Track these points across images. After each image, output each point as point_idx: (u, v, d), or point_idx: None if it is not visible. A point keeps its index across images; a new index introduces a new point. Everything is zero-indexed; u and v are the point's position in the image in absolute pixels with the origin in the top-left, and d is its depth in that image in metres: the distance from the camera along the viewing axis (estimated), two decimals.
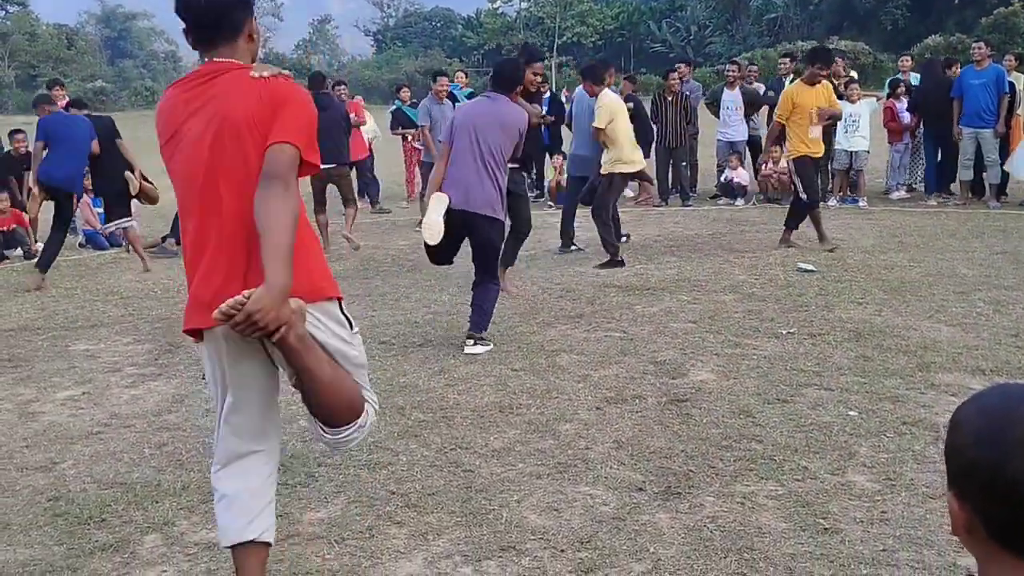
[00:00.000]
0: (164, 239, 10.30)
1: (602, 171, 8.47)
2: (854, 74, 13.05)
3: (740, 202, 12.24)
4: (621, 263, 8.26)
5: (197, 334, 2.73)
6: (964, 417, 1.13)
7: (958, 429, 1.13)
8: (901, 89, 12.09)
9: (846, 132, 11.61)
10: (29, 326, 7.00)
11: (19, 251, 10.15)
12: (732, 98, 12.51)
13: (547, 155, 13.07)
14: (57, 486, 4.01)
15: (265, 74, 2.62)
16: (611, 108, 8.33)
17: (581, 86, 9.24)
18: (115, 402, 5.16)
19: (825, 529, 3.35)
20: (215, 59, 2.70)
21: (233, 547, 2.80)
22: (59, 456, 4.37)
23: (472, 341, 5.76)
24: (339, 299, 2.79)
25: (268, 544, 2.84)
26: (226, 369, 2.72)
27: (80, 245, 10.22)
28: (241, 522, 2.76)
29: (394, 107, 14.69)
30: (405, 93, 14.41)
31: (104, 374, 5.68)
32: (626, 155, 8.37)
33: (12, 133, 11.73)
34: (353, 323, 2.81)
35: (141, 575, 3.24)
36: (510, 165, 6.17)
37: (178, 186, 2.74)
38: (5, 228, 10.14)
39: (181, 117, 2.68)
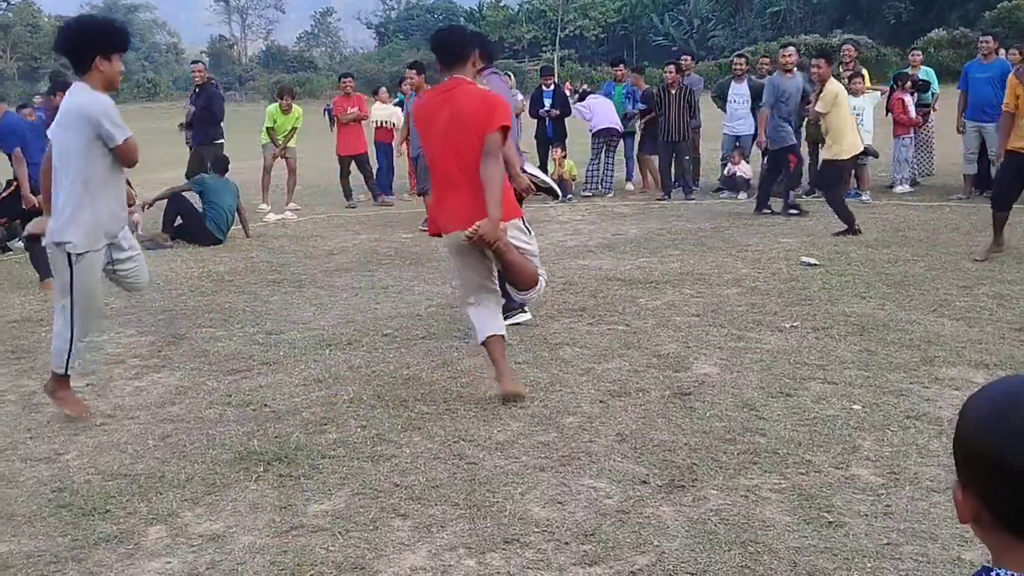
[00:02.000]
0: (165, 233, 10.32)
1: (826, 158, 9.50)
2: (864, 71, 13.00)
3: (743, 196, 12.21)
4: (858, 231, 9.05)
5: (438, 234, 4.80)
6: (970, 407, 1.15)
7: (964, 419, 1.15)
8: (909, 83, 12.06)
9: None
10: (32, 317, 7.00)
11: (20, 243, 10.15)
12: (739, 92, 12.47)
13: (549, 147, 13.06)
14: (61, 477, 4.01)
15: (482, 88, 4.58)
16: (836, 95, 9.23)
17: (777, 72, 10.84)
18: (118, 393, 5.17)
19: (829, 523, 3.35)
20: (454, 76, 4.54)
21: (485, 340, 4.71)
22: (63, 447, 4.38)
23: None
24: (521, 217, 4.77)
25: (503, 336, 4.79)
26: (458, 258, 4.73)
27: None
28: (487, 324, 4.72)
29: (397, 100, 14.66)
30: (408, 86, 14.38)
31: (107, 366, 5.69)
32: (847, 142, 9.19)
33: (20, 108, 11.73)
34: (531, 230, 4.88)
35: (145, 566, 3.24)
36: None
37: (431, 153, 4.65)
38: (6, 220, 10.12)
39: (434, 112, 4.54)
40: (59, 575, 3.19)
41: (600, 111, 12.96)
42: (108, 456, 4.24)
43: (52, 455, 4.28)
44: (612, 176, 13.31)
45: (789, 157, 10.70)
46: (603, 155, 13.15)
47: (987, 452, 1.09)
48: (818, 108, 9.33)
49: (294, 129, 12.65)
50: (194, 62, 13.57)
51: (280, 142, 12.57)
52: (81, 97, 4.43)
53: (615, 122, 12.93)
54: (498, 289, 4.87)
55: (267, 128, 12.60)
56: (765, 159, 11.07)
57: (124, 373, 5.55)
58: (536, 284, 4.83)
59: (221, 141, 12.10)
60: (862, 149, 9.76)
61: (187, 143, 12.63)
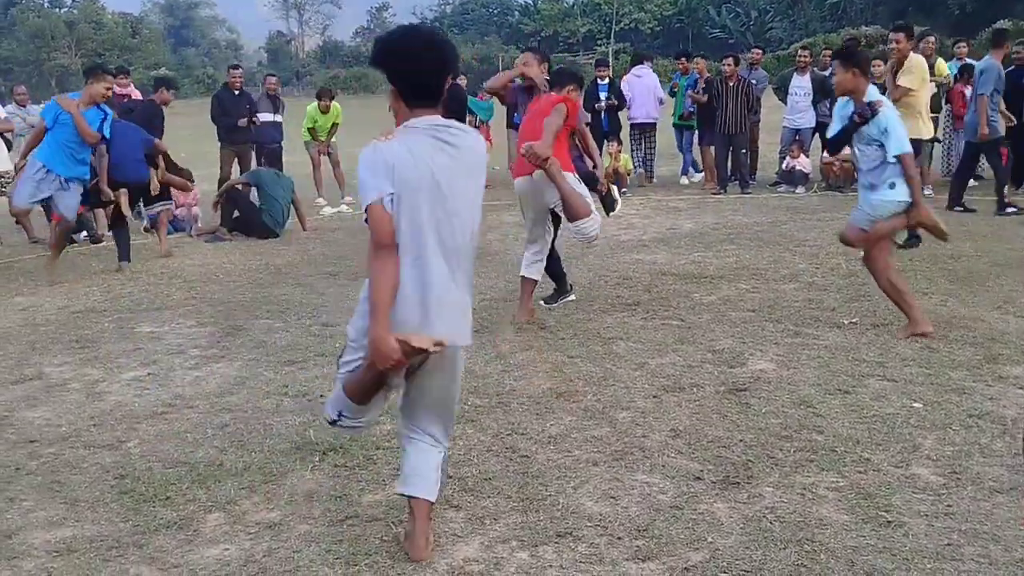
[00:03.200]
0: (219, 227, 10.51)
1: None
2: (939, 59, 12.70)
3: (801, 190, 12.04)
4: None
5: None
6: None
7: None
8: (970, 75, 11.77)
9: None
10: (96, 308, 7.16)
11: (84, 235, 10.39)
12: (801, 84, 12.28)
13: (604, 141, 13.01)
14: (123, 464, 4.10)
15: (563, 94, 6.17)
16: (924, 69, 8.52)
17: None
18: (179, 383, 5.27)
19: (888, 522, 3.29)
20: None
21: (521, 277, 6.24)
22: (125, 435, 4.47)
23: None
24: (573, 172, 6.06)
25: (534, 280, 6.29)
26: (526, 199, 6.19)
27: (145, 229, 10.42)
28: (526, 267, 6.24)
29: None
30: (463, 81, 14.43)
31: (168, 356, 5.80)
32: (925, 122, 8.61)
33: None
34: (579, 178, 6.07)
35: (204, 553, 3.30)
36: None
37: (526, 125, 6.17)
38: None
39: (535, 105, 6.21)
40: (120, 560, 3.27)
41: (639, 97, 13.19)
42: (168, 444, 4.32)
43: (115, 443, 4.38)
44: (652, 164, 13.72)
45: (1001, 151, 9.99)
46: (643, 144, 13.62)
47: None
48: (904, 83, 8.26)
49: (335, 125, 12.91)
50: (234, 67, 13.28)
51: (323, 139, 12.82)
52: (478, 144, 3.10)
53: (649, 115, 13.36)
54: (548, 239, 6.26)
55: (308, 128, 12.84)
56: (966, 151, 10.23)
57: (184, 363, 5.65)
58: (589, 214, 5.94)
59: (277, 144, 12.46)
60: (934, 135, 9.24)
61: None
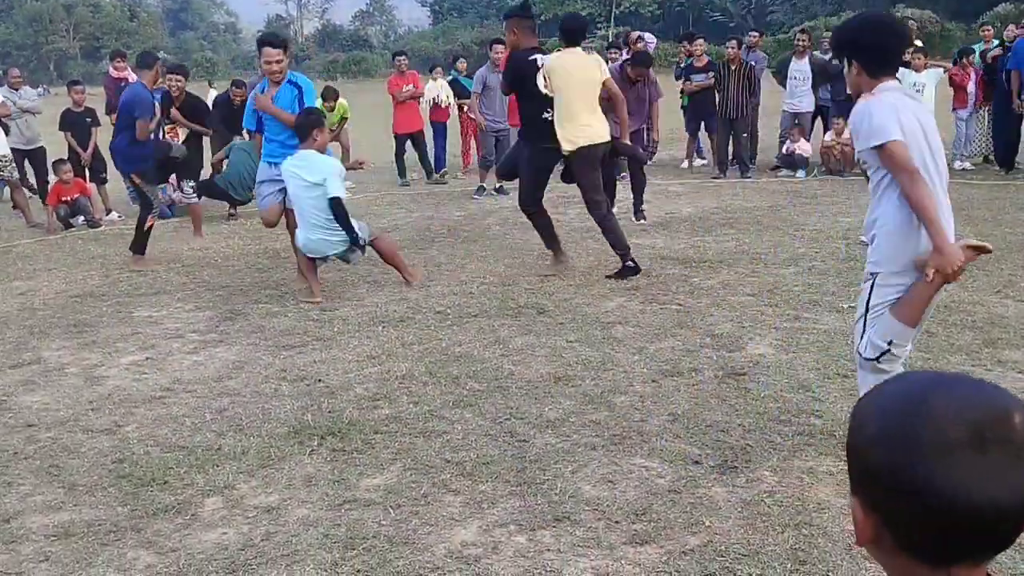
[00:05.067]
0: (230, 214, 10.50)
1: None
2: (919, 43, 12.68)
3: (801, 174, 12.00)
4: None
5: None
6: (865, 416, 0.99)
7: (860, 430, 0.99)
8: (971, 59, 11.74)
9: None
10: (94, 292, 7.15)
11: (82, 220, 10.37)
12: (800, 68, 12.22)
13: None
14: (121, 448, 4.10)
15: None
16: None
17: None
18: (177, 367, 5.26)
19: None
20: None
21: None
22: (123, 419, 4.47)
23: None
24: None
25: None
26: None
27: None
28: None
29: (450, 78, 14.63)
30: (462, 64, 14.36)
31: (166, 340, 5.79)
32: None
33: (71, 84, 11.93)
34: None
35: (202, 536, 3.30)
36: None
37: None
38: (69, 198, 10.35)
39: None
40: (118, 544, 3.27)
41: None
42: (166, 428, 4.32)
43: (112, 427, 4.38)
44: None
45: None
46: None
47: (887, 469, 0.95)
48: None
49: (344, 119, 12.92)
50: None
51: (332, 130, 12.80)
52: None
53: None
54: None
55: None
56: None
57: (182, 347, 5.64)
58: None
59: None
60: None
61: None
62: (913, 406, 0.95)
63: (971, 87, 11.64)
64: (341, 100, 13.03)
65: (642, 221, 9.06)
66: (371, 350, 5.35)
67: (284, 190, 6.77)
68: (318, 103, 12.35)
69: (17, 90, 11.70)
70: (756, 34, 14.09)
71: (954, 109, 11.86)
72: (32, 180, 11.53)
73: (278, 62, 6.82)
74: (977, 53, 12.16)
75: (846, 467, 3.33)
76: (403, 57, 13.71)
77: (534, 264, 7.38)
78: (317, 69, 67.22)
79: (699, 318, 5.73)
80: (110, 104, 11.71)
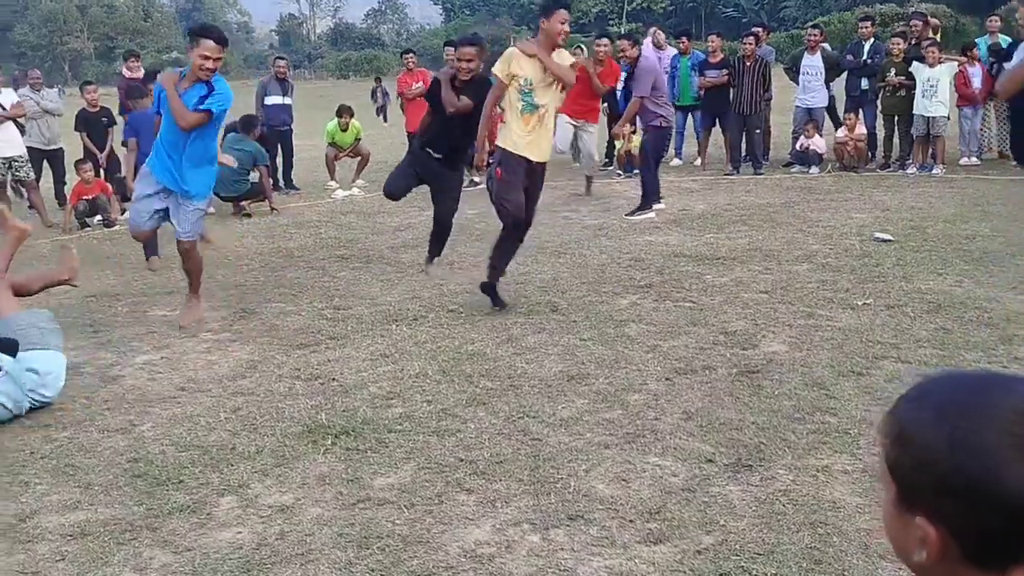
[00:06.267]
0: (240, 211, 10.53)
1: None
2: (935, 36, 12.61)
3: (815, 170, 11.94)
4: None
5: None
6: (914, 425, 0.95)
7: (913, 441, 0.94)
8: (974, 52, 11.67)
9: (924, 97, 11.14)
10: (109, 292, 7.19)
11: (99, 218, 10.42)
12: (813, 63, 12.16)
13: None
14: (136, 448, 4.12)
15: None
16: None
17: None
18: (191, 367, 5.28)
19: None
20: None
21: None
22: (138, 419, 4.49)
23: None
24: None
25: None
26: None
27: None
28: None
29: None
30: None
31: (181, 339, 5.81)
32: None
33: (84, 85, 11.99)
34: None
35: (217, 536, 3.31)
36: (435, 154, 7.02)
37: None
38: (90, 196, 10.41)
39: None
40: (134, 543, 3.28)
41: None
42: (181, 428, 4.34)
43: (128, 426, 4.40)
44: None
45: None
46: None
47: (964, 478, 0.90)
48: None
49: (357, 140, 12.74)
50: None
51: (344, 151, 12.71)
52: None
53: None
54: None
55: (328, 144, 12.73)
56: None
57: (196, 347, 5.66)
58: None
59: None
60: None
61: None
62: (978, 409, 0.92)
63: (977, 82, 11.56)
64: (354, 121, 12.80)
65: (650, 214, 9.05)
66: (384, 348, 5.36)
67: (164, 211, 6.08)
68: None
69: (39, 91, 11.76)
70: (759, 28, 14.02)
71: (959, 107, 11.79)
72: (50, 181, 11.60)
73: (216, 60, 5.73)
74: (982, 46, 12.08)
75: (863, 465, 3.28)
76: (411, 55, 13.71)
77: (547, 261, 7.38)
78: (330, 68, 67.32)
79: (712, 315, 5.71)
80: (124, 104, 11.78)
